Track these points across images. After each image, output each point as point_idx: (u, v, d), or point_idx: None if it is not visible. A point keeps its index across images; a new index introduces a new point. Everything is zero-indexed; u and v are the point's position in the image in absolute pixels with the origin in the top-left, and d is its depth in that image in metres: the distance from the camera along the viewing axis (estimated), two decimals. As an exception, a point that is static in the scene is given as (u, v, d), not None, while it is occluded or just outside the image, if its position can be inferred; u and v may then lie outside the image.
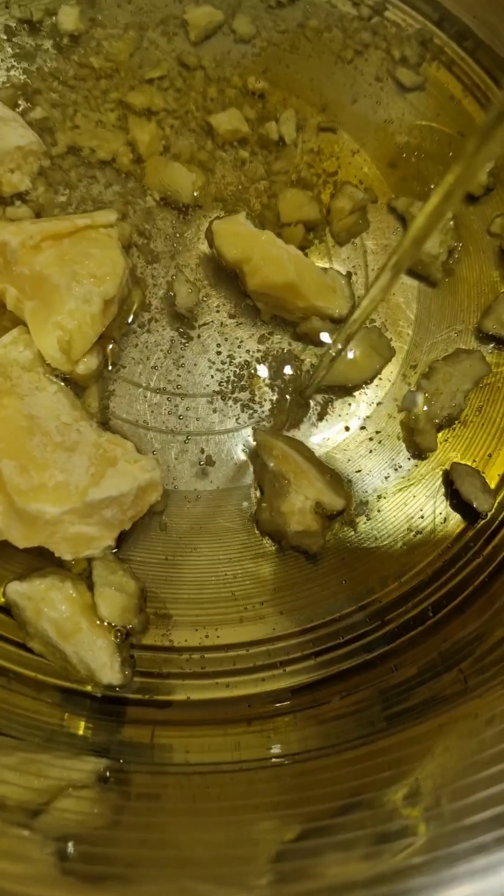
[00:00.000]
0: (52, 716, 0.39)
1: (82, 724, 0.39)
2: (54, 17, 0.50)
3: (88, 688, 0.39)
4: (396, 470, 0.45)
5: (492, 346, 0.48)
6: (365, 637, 0.41)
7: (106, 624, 0.40)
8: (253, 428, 0.44)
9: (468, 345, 0.48)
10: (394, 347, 0.47)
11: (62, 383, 0.42)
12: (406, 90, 0.52)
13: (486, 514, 0.44)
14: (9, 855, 0.25)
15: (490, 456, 0.46)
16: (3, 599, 0.40)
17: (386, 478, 0.45)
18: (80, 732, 0.38)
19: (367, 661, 0.41)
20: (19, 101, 0.49)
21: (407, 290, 0.48)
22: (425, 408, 0.45)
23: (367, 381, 0.46)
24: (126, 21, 0.51)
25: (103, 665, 0.38)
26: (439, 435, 0.46)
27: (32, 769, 0.33)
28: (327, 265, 0.48)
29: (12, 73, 0.49)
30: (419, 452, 0.45)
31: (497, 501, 0.45)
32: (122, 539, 0.41)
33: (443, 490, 0.45)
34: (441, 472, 0.45)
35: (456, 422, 0.46)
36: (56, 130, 0.48)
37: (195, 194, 0.48)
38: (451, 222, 0.49)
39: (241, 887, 0.23)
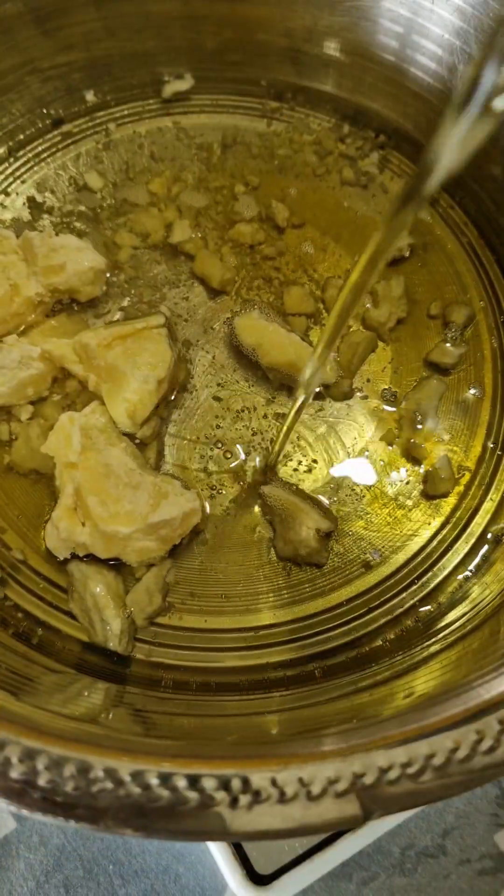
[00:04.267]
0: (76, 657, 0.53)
1: (97, 667, 0.52)
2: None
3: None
4: (387, 486, 0.59)
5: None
6: (353, 621, 0.56)
7: (130, 611, 0.53)
8: (262, 484, 0.58)
9: (424, 373, 0.63)
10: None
11: (128, 440, 0.57)
12: (366, 192, 0.68)
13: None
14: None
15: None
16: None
17: (370, 490, 0.59)
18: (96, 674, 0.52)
19: (356, 637, 0.55)
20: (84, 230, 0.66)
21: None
22: (419, 426, 0.60)
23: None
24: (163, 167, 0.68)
25: (114, 636, 0.52)
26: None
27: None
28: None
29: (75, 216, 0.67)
30: (415, 461, 0.60)
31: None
32: (174, 550, 0.55)
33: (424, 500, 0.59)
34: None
35: (436, 431, 0.61)
36: (115, 247, 0.65)
37: (225, 277, 0.64)
38: (405, 299, 0.64)
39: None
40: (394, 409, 0.62)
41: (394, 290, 0.63)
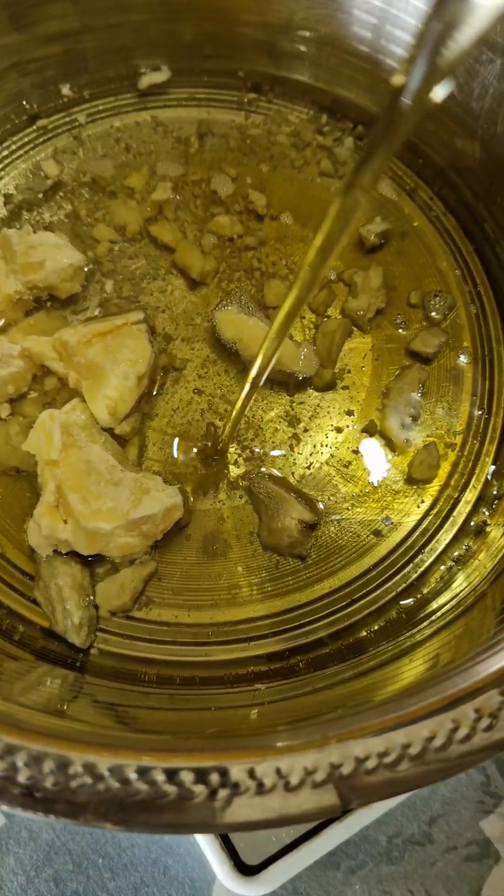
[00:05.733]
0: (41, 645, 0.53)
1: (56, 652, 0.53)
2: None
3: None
4: (358, 477, 0.60)
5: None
6: (336, 613, 0.56)
7: (89, 600, 0.54)
8: (248, 474, 0.58)
9: (405, 362, 0.63)
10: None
11: (109, 436, 0.57)
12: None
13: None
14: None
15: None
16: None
17: (353, 490, 0.59)
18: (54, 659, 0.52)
19: (340, 628, 0.55)
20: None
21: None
22: (402, 414, 0.61)
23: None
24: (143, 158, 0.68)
25: (74, 627, 0.52)
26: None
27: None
28: (302, 338, 0.63)
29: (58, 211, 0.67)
30: (398, 449, 0.60)
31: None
32: (157, 545, 0.56)
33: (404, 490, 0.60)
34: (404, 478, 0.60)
35: (419, 419, 0.62)
36: (93, 242, 0.65)
37: (205, 268, 0.64)
38: (384, 289, 0.64)
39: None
40: (377, 395, 0.62)
41: (372, 281, 0.63)
